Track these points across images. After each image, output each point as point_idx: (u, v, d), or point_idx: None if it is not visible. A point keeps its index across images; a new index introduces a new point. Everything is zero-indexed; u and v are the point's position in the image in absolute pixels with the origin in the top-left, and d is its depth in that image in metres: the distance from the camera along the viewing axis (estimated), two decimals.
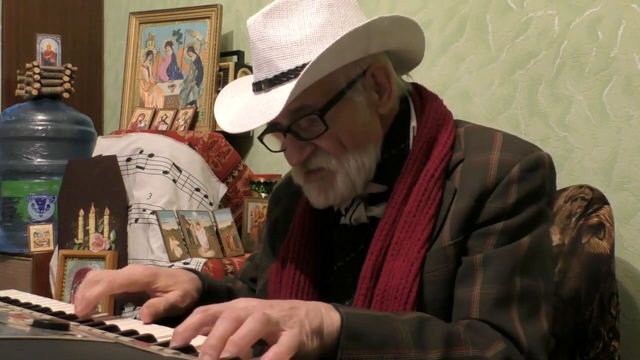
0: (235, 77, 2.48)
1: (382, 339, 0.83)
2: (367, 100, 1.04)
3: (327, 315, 0.81)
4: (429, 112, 1.09)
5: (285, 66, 0.99)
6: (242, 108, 1.07)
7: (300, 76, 0.94)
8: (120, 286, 1.03)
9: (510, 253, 0.97)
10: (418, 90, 1.14)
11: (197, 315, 0.78)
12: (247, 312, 0.76)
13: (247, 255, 2.16)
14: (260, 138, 1.09)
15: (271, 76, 1.01)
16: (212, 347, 0.72)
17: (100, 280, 1.02)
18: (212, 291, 1.14)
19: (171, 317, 1.04)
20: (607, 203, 1.36)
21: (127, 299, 1.12)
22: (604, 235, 1.31)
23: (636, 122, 1.61)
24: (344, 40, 0.95)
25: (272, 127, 1.05)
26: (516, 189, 1.00)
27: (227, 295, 1.21)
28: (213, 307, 0.79)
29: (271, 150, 1.11)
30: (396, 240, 1.01)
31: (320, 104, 1.00)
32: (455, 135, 1.07)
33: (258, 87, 1.04)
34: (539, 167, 1.03)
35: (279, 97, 0.97)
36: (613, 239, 1.31)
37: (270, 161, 2.48)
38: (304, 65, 0.97)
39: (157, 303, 1.03)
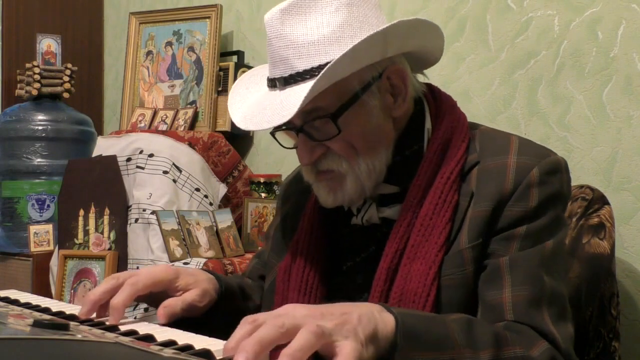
0: (235, 77, 2.48)
1: (438, 339, 0.81)
2: (381, 103, 1.03)
3: (380, 319, 0.79)
4: (444, 115, 1.08)
5: (301, 66, 0.98)
6: (255, 103, 1.06)
7: (315, 81, 0.93)
8: (145, 287, 1.01)
9: (537, 255, 0.97)
10: (432, 92, 1.13)
11: (246, 326, 0.75)
12: (293, 322, 0.73)
13: (247, 255, 2.16)
14: (273, 133, 1.08)
15: (286, 75, 0.99)
16: (248, 345, 0.69)
17: (122, 284, 1.00)
18: (228, 291, 1.13)
19: (190, 317, 1.04)
20: (607, 203, 1.36)
21: (144, 300, 1.09)
22: (604, 236, 1.31)
23: (636, 122, 1.61)
24: (361, 45, 0.93)
25: (285, 125, 1.03)
26: (537, 192, 0.99)
27: (241, 294, 1.20)
28: (261, 317, 0.76)
29: (283, 147, 1.10)
30: (412, 243, 1.00)
31: (334, 107, 0.99)
32: (470, 138, 1.07)
33: (272, 83, 1.02)
34: (558, 171, 1.03)
35: (292, 99, 0.96)
36: (613, 239, 1.31)
37: (270, 161, 2.48)
38: (319, 66, 0.96)
39: (174, 303, 1.02)
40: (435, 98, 1.12)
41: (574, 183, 1.55)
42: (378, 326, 0.78)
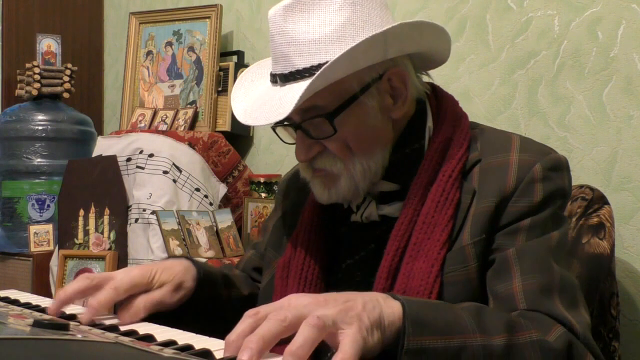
0: (235, 77, 2.48)
1: (447, 325, 0.80)
2: (380, 104, 1.03)
3: (386, 305, 0.79)
4: (445, 113, 1.09)
5: (301, 64, 0.98)
6: (257, 97, 1.07)
7: (311, 80, 0.93)
8: (125, 292, 1.02)
9: (544, 244, 0.97)
10: (434, 91, 1.13)
11: (248, 319, 0.75)
12: (295, 314, 0.73)
13: None
14: (274, 128, 1.09)
15: (286, 72, 1.00)
16: (251, 342, 0.69)
17: (95, 285, 1.01)
18: (207, 278, 1.13)
19: (161, 312, 1.04)
20: (607, 203, 1.36)
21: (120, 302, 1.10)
22: (604, 235, 1.31)
23: (636, 122, 1.61)
24: (360, 46, 0.93)
25: (285, 121, 1.04)
26: (541, 188, 1.00)
27: (224, 282, 1.19)
28: (263, 309, 0.75)
29: (284, 141, 1.11)
30: (414, 241, 1.00)
31: (332, 106, 1.00)
32: (471, 137, 1.07)
33: (274, 79, 1.03)
34: (560, 168, 1.03)
35: (290, 96, 0.96)
36: (613, 239, 1.31)
37: (270, 161, 2.48)
38: (319, 65, 0.96)
39: (135, 307, 1.01)
40: (437, 97, 1.12)
41: (573, 183, 1.55)
42: (383, 312, 0.78)
